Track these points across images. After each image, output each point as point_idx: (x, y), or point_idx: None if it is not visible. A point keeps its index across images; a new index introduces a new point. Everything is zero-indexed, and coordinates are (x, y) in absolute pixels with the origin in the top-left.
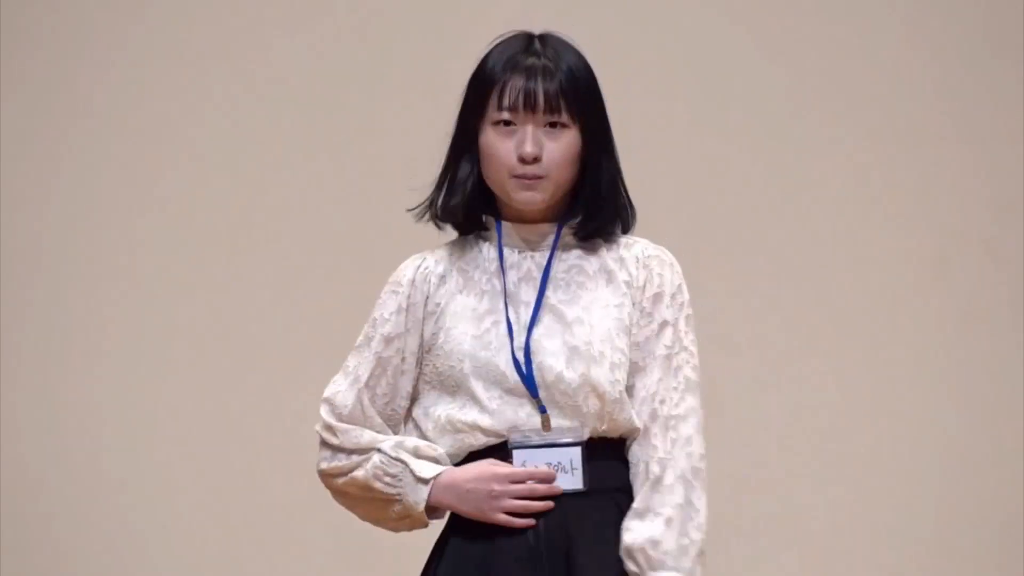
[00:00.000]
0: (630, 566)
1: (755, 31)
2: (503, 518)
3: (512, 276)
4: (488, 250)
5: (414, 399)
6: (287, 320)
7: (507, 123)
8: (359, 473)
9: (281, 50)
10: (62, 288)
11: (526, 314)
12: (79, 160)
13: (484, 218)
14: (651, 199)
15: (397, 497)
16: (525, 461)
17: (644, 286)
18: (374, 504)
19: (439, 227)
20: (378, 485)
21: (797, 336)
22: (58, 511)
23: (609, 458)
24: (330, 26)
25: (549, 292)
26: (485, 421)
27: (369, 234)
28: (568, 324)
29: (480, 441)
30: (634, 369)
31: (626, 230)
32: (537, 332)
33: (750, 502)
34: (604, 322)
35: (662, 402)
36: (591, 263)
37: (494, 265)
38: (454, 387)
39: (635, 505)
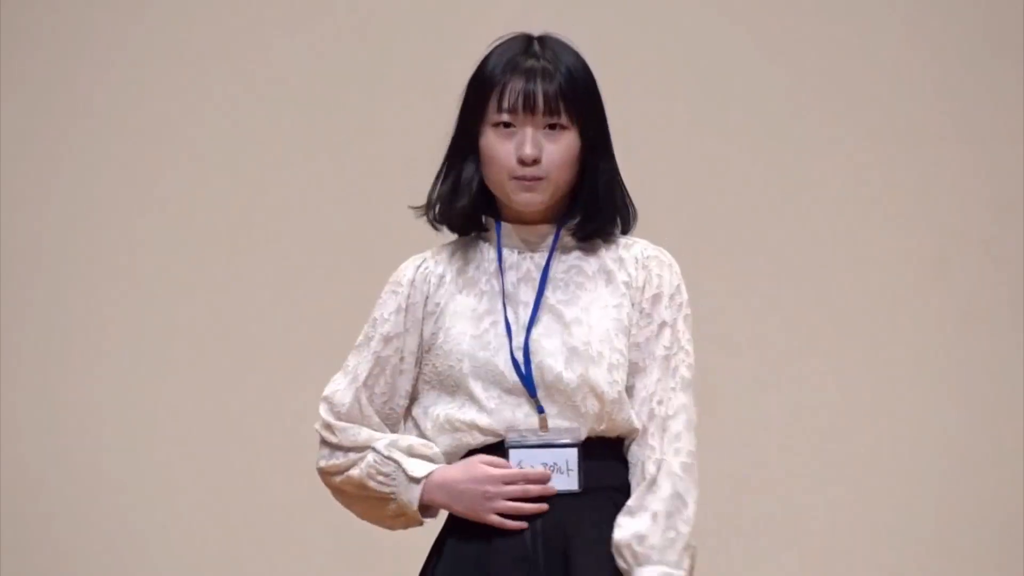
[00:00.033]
0: (619, 562)
1: (755, 31)
2: (495, 519)
3: (511, 276)
4: (488, 251)
5: (414, 399)
6: (287, 320)
7: (507, 125)
8: (355, 472)
9: (281, 50)
10: (62, 288)
11: (525, 314)
12: (79, 160)
13: (484, 219)
14: (651, 199)
15: (391, 496)
16: (521, 461)
17: (643, 287)
18: (370, 502)
19: (436, 228)
20: (372, 484)
21: (797, 336)
22: (58, 511)
23: (607, 458)
24: (330, 26)
25: (548, 292)
26: (483, 420)
27: (369, 234)
28: (567, 324)
29: (478, 440)
30: (635, 369)
31: (626, 231)
32: (536, 332)
33: (750, 502)
34: (603, 322)
35: (660, 403)
36: (590, 264)
37: (493, 266)
38: (453, 387)
39: (628, 503)
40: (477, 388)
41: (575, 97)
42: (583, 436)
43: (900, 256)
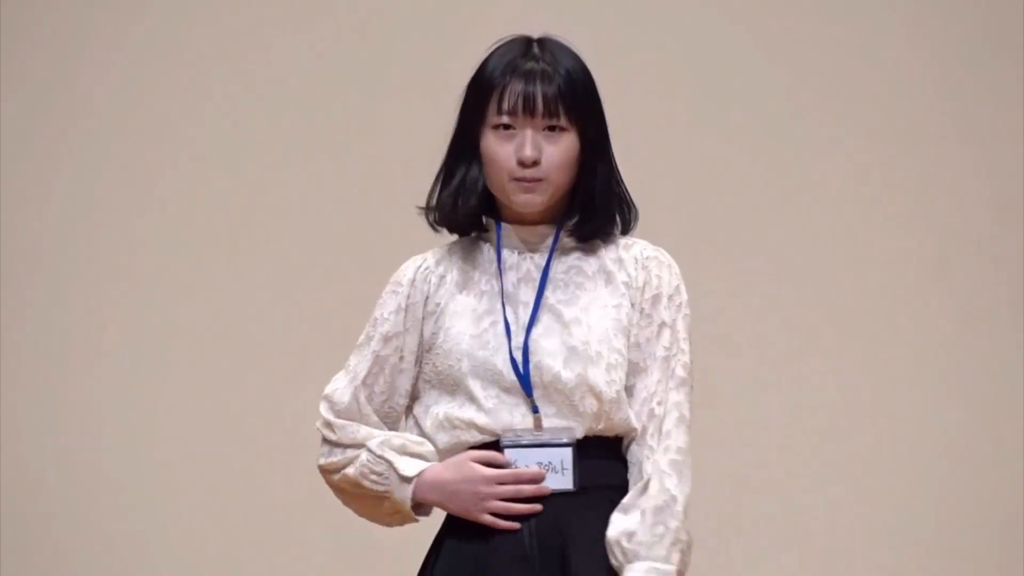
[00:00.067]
0: (611, 560)
1: (755, 31)
2: (488, 519)
3: (511, 277)
4: (488, 251)
5: (415, 397)
6: (287, 320)
7: (507, 127)
8: (350, 470)
9: (281, 50)
10: (62, 288)
11: (525, 314)
12: (79, 160)
13: (484, 220)
14: (651, 199)
15: (386, 495)
16: (516, 461)
17: (643, 287)
18: (366, 500)
19: (436, 230)
20: (366, 483)
21: (797, 336)
22: (58, 511)
23: (606, 457)
24: (330, 26)
25: (548, 292)
26: (481, 419)
27: (369, 234)
28: (566, 324)
29: (476, 438)
30: (636, 370)
31: (626, 231)
32: (535, 332)
33: (750, 502)
34: (602, 322)
35: (660, 403)
36: (590, 264)
37: (493, 266)
38: (453, 386)
39: (623, 501)
40: (476, 387)
41: (574, 99)
42: (578, 435)
43: (900, 256)
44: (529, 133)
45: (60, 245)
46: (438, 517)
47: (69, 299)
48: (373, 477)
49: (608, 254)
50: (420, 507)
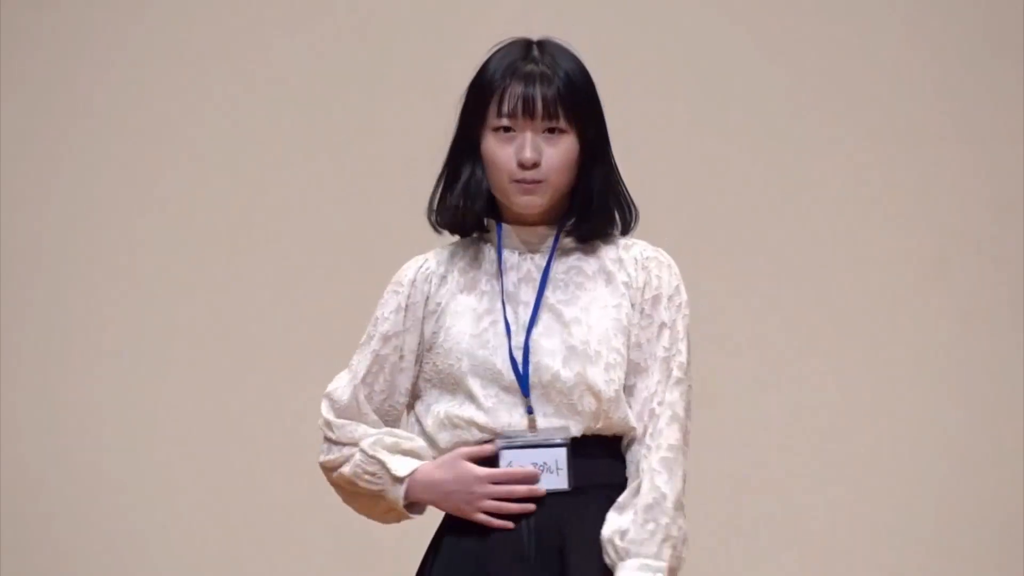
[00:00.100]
0: (605, 558)
1: (755, 31)
2: (482, 517)
3: (512, 277)
4: (489, 251)
5: (417, 396)
6: (287, 320)
7: (507, 129)
8: (346, 469)
9: (281, 50)
10: (62, 288)
11: (525, 314)
12: (79, 160)
13: (485, 221)
14: (651, 199)
15: (380, 494)
16: (512, 462)
17: (643, 287)
18: (363, 499)
19: (438, 231)
20: (361, 483)
21: (797, 336)
22: (58, 511)
23: (604, 456)
24: (330, 26)
25: (548, 292)
26: (481, 418)
27: (369, 234)
28: (566, 324)
29: (476, 437)
30: (637, 369)
31: (626, 232)
32: (536, 332)
33: (750, 502)
34: (602, 322)
35: (659, 403)
36: (590, 264)
37: (494, 266)
38: (453, 385)
39: (618, 500)
40: (476, 386)
41: (573, 101)
42: (576, 434)
43: (900, 256)
44: (529, 135)
45: (60, 245)
46: (436, 516)
47: (69, 299)
48: (367, 477)
49: (608, 254)
50: (415, 506)
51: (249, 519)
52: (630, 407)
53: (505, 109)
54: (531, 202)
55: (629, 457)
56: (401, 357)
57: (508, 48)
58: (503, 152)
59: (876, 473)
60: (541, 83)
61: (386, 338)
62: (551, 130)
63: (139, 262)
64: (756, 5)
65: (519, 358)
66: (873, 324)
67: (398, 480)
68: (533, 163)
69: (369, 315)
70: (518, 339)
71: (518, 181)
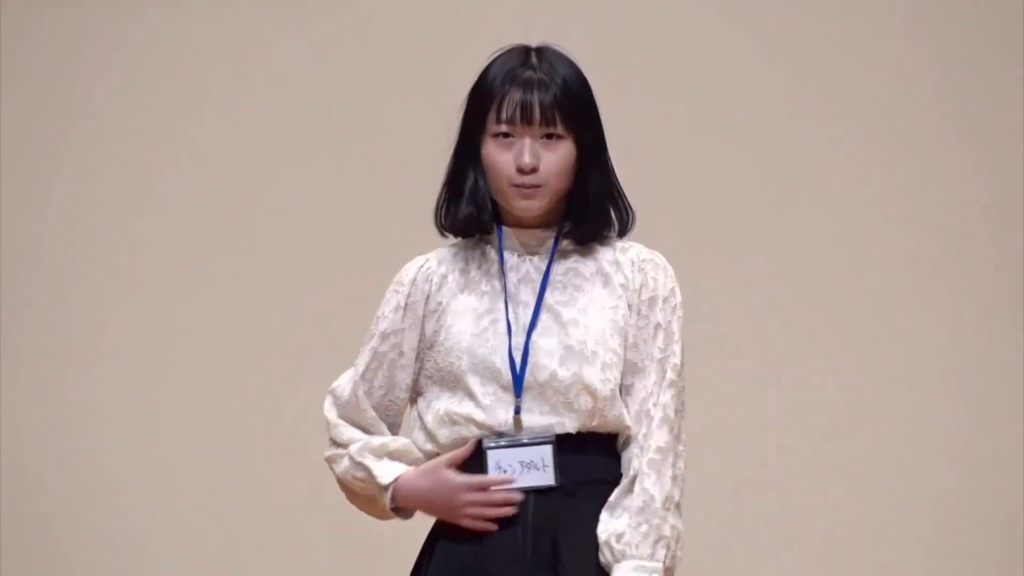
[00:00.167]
0: (601, 558)
1: (755, 31)
2: (467, 522)
3: (512, 278)
4: (489, 253)
5: (419, 392)
6: (287, 320)
7: (506, 135)
8: (338, 469)
9: (281, 50)
10: (62, 288)
11: (525, 315)
12: (79, 160)
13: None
14: (651, 199)
15: (372, 498)
16: (499, 461)
17: (639, 289)
18: (361, 498)
19: (444, 235)
20: (355, 486)
21: (797, 336)
22: (58, 511)
23: (599, 453)
24: (330, 26)
25: (547, 294)
26: (479, 416)
27: (369, 234)
28: (564, 324)
29: (474, 433)
30: (634, 369)
31: (623, 234)
32: (535, 333)
33: (750, 502)
34: (599, 323)
35: (654, 404)
36: (588, 266)
37: (495, 267)
38: (453, 382)
39: (610, 499)
40: (475, 384)
41: (570, 107)
42: (568, 431)
43: (900, 256)
44: (527, 141)
45: (60, 245)
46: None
47: (69, 299)
48: (358, 482)
49: (605, 256)
50: (405, 510)
51: (249, 519)
52: (628, 406)
53: (504, 115)
54: (530, 206)
55: (624, 455)
56: (401, 354)
57: (507, 55)
58: (502, 157)
59: (876, 473)
60: (539, 90)
61: (385, 336)
62: (549, 136)
63: (139, 262)
64: (756, 5)
65: (518, 358)
66: (873, 324)
67: (382, 488)
68: (531, 168)
69: (369, 315)
70: (518, 339)
71: (517, 186)
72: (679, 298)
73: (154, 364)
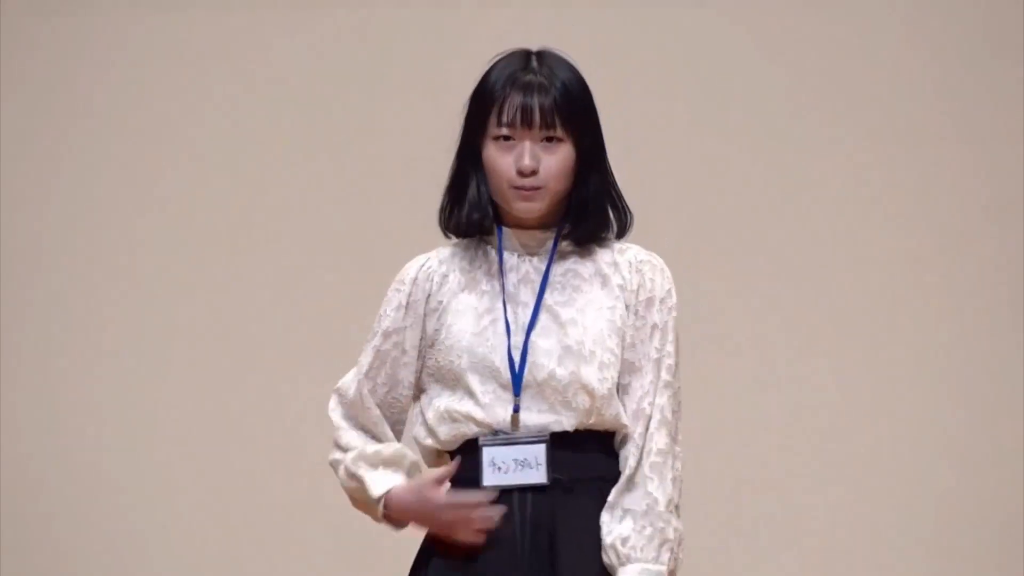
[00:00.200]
0: (605, 559)
1: (755, 31)
2: (460, 537)
3: (512, 278)
4: (490, 253)
5: (422, 390)
6: (287, 320)
7: (506, 138)
8: (338, 475)
9: (281, 50)
10: (62, 288)
11: (524, 315)
12: (79, 160)
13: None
14: (651, 199)
15: (368, 506)
16: (494, 458)
17: (637, 290)
18: (360, 503)
19: (448, 237)
20: (352, 494)
21: (797, 336)
22: (58, 511)
23: (597, 451)
24: (330, 26)
25: (546, 294)
26: (478, 414)
27: (369, 234)
28: (563, 324)
29: (474, 431)
30: (632, 369)
31: (621, 235)
32: (534, 333)
33: (750, 502)
34: (597, 323)
35: (650, 403)
36: (586, 267)
37: (495, 267)
38: (453, 380)
39: (609, 499)
40: (474, 382)
41: (570, 111)
42: (566, 428)
43: (900, 256)
44: (527, 144)
45: (60, 245)
46: None
47: (69, 299)
48: (353, 491)
49: (603, 258)
50: (396, 520)
51: (249, 519)
52: (625, 405)
53: (505, 119)
54: (530, 208)
55: (622, 453)
56: (403, 352)
57: (508, 59)
58: (503, 160)
59: (876, 473)
60: (539, 93)
61: (387, 334)
62: (549, 139)
63: (139, 262)
64: (756, 5)
65: (516, 358)
66: (873, 324)
67: (374, 500)
68: (532, 171)
69: (369, 315)
70: (517, 339)
71: (517, 188)
72: (675, 299)
73: (154, 364)
